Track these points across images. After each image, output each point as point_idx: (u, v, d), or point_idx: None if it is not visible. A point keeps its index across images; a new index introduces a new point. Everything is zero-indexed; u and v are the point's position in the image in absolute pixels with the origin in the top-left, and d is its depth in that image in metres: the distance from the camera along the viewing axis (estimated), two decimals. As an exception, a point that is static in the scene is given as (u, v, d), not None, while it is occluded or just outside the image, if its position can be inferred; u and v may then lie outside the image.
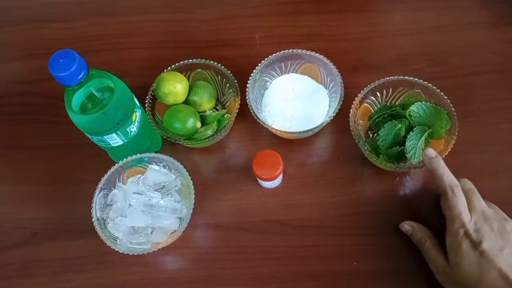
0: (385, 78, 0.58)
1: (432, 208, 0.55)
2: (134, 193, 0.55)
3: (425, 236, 0.51)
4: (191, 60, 0.62)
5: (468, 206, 0.48)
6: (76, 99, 0.51)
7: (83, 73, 0.47)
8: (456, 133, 0.53)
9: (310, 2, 0.74)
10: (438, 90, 0.56)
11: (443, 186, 0.49)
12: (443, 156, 0.52)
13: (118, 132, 0.53)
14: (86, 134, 0.54)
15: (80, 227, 0.57)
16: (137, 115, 0.55)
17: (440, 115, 0.55)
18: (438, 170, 0.49)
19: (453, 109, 0.55)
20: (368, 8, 0.73)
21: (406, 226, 0.53)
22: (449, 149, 0.53)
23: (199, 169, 0.61)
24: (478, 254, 0.45)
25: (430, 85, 0.57)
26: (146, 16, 0.75)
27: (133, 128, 0.55)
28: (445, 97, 0.56)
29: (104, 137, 0.53)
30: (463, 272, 0.46)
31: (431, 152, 0.50)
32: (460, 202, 0.48)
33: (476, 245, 0.46)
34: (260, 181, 0.57)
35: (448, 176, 0.49)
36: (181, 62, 0.62)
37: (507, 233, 0.47)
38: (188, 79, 0.62)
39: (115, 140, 0.54)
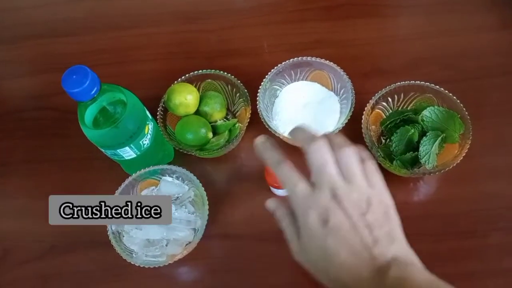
0: (396, 84, 0.58)
1: (449, 213, 0.55)
2: (149, 205, 0.55)
3: (285, 213, 0.41)
4: (201, 71, 0.62)
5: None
6: (89, 113, 0.51)
7: (95, 88, 0.48)
8: (470, 137, 0.53)
9: (318, 9, 0.74)
10: (450, 94, 0.56)
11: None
12: (458, 161, 0.52)
13: (131, 145, 0.53)
14: (99, 148, 0.54)
15: (96, 239, 0.57)
16: (149, 127, 0.55)
17: (453, 119, 0.54)
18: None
19: (466, 112, 0.54)
20: (376, 13, 0.73)
21: (272, 203, 0.42)
22: (464, 154, 0.52)
23: (212, 179, 0.61)
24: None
25: (442, 89, 0.56)
26: (155, 28, 0.75)
27: (145, 140, 0.55)
28: (458, 101, 0.55)
29: (117, 150, 0.53)
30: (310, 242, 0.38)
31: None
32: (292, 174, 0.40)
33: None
34: (273, 189, 0.57)
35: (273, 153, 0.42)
36: (191, 73, 0.62)
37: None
38: (198, 89, 0.62)
39: (128, 153, 0.54)
